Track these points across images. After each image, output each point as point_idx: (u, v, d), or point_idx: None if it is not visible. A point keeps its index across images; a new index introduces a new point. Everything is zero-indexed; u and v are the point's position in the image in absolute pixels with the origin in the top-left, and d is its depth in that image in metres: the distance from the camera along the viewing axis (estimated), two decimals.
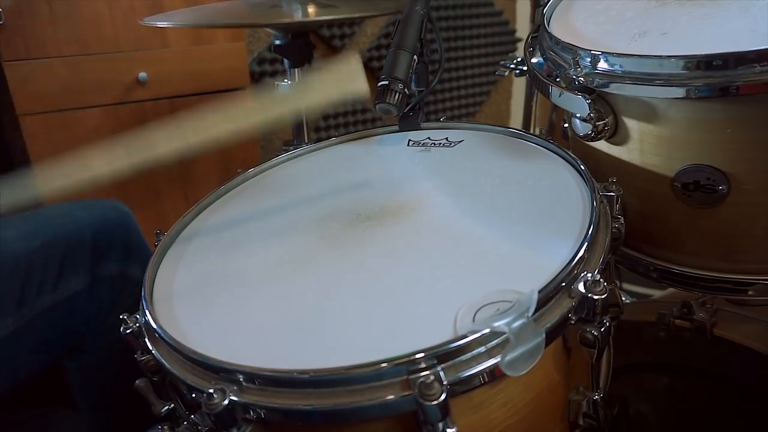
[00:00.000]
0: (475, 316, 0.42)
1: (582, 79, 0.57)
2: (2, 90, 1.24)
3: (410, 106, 0.76)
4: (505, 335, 0.39)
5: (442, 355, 0.38)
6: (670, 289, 0.97)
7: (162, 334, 0.45)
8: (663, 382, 0.86)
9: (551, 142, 0.64)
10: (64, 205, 0.85)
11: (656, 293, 1.17)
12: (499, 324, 0.39)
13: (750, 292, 0.61)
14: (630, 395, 0.85)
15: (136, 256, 0.84)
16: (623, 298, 0.61)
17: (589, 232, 0.46)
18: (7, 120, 1.29)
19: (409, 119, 0.77)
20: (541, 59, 0.66)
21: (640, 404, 0.87)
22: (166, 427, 0.46)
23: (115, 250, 0.82)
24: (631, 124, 0.60)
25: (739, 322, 0.77)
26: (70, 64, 1.29)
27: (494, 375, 0.39)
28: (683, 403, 0.85)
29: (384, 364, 0.37)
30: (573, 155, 0.59)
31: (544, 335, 0.39)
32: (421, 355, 0.37)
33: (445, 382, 0.37)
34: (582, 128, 0.60)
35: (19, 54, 1.23)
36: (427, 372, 0.37)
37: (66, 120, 1.31)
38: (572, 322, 0.43)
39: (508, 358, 0.38)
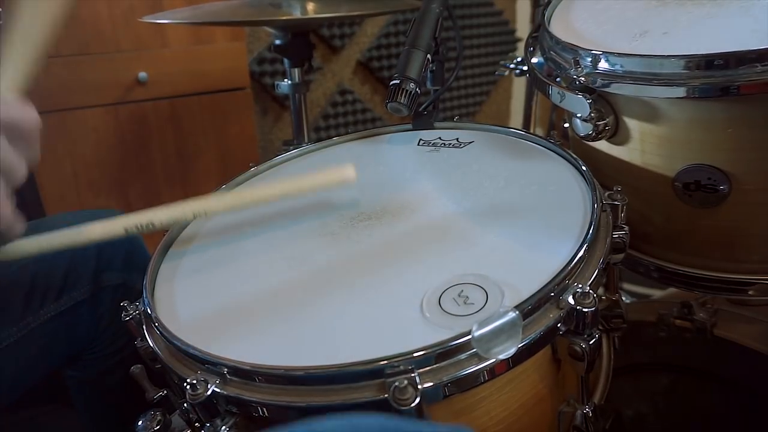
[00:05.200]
0: (439, 299, 0.43)
1: (583, 79, 0.57)
2: None
3: (425, 105, 0.76)
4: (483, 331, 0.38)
5: (417, 359, 0.38)
6: (670, 289, 0.97)
7: (155, 322, 0.46)
8: (663, 382, 0.86)
9: (563, 148, 0.63)
10: (69, 215, 0.85)
11: (656, 293, 1.17)
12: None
13: (750, 292, 0.61)
14: (630, 395, 0.85)
15: (138, 267, 0.84)
16: (623, 298, 0.61)
17: (584, 244, 0.46)
18: None
19: (422, 118, 0.76)
20: (541, 59, 0.66)
21: (640, 404, 0.86)
22: (158, 412, 0.47)
23: (117, 261, 0.83)
24: (632, 124, 0.60)
25: (739, 322, 0.77)
26: (70, 64, 1.29)
27: (472, 382, 0.39)
28: (683, 403, 0.85)
29: (357, 367, 0.38)
30: (583, 163, 0.58)
31: (518, 313, 0.39)
32: (397, 359, 0.37)
33: (419, 387, 0.36)
34: (583, 128, 0.60)
35: None
36: (401, 376, 0.37)
37: (66, 120, 1.31)
38: (560, 332, 0.42)
39: (478, 333, 0.38)
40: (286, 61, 1.08)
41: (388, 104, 0.65)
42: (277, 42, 1.06)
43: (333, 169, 0.60)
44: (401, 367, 0.37)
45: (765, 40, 0.49)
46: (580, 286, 0.42)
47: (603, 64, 0.56)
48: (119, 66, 1.35)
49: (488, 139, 0.71)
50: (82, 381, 0.85)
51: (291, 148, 0.77)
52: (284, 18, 0.95)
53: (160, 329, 0.46)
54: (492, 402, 0.42)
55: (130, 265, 0.84)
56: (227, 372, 0.40)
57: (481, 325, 0.38)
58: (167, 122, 1.44)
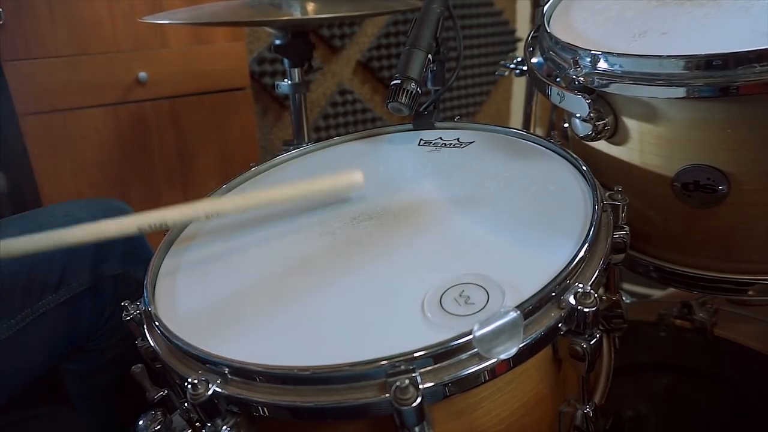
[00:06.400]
0: (440, 299, 0.43)
1: (582, 79, 0.57)
2: (2, 90, 1.24)
3: (426, 105, 0.76)
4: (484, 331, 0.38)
5: (418, 359, 0.38)
6: (670, 289, 0.97)
7: (156, 322, 0.46)
8: (663, 382, 0.86)
9: (563, 149, 0.63)
10: (66, 205, 0.85)
11: (656, 293, 1.17)
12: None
13: (750, 292, 0.61)
14: (630, 395, 0.85)
15: (138, 257, 0.84)
16: (623, 298, 0.61)
17: (585, 244, 0.46)
18: (7, 120, 1.29)
19: (423, 118, 0.76)
20: (541, 59, 0.66)
21: (640, 404, 0.87)
22: (159, 412, 0.47)
23: (117, 250, 0.82)
24: (631, 124, 0.60)
25: (739, 322, 0.77)
26: (70, 64, 1.29)
27: (473, 382, 0.39)
28: (683, 403, 0.85)
29: (358, 367, 0.38)
30: (584, 164, 0.58)
31: (519, 313, 0.39)
32: (398, 359, 0.37)
33: (420, 387, 0.36)
34: (582, 128, 0.60)
35: (19, 54, 1.23)
36: (402, 376, 0.37)
37: (66, 120, 1.32)
38: (561, 332, 0.42)
39: (479, 333, 0.38)
40: (286, 61, 1.08)
41: (389, 104, 0.65)
42: (277, 42, 1.06)
43: (342, 174, 0.61)
44: (402, 367, 0.37)
45: (764, 40, 0.49)
46: (581, 286, 0.42)
47: (602, 64, 0.56)
48: (119, 66, 1.35)
49: (489, 139, 0.71)
50: (83, 374, 0.85)
51: (291, 148, 0.77)
52: (284, 18, 0.95)
53: (161, 329, 0.46)
54: (493, 402, 0.42)
55: (129, 254, 0.83)
56: (228, 372, 0.40)
57: (482, 325, 0.38)
58: (167, 122, 1.44)
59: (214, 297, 0.51)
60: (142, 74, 1.36)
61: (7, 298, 0.71)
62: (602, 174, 0.63)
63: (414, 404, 0.36)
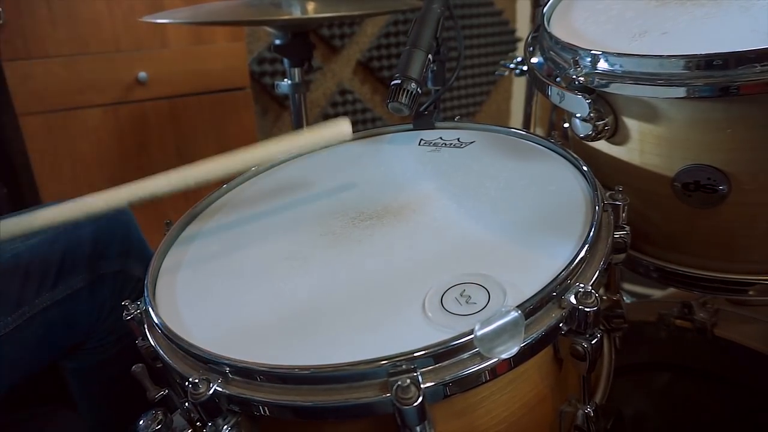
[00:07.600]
0: (441, 299, 0.43)
1: (582, 79, 0.57)
2: (2, 90, 1.24)
3: (426, 105, 0.76)
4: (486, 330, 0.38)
5: (420, 359, 0.38)
6: (670, 289, 0.97)
7: (156, 322, 0.46)
8: (663, 382, 0.86)
9: (564, 149, 0.63)
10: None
11: (656, 293, 1.17)
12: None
13: (750, 292, 0.61)
14: (630, 395, 0.85)
15: (136, 254, 0.84)
16: (624, 298, 0.61)
17: (585, 244, 0.46)
18: (7, 120, 1.29)
19: (423, 118, 0.76)
20: (541, 59, 0.66)
21: (640, 404, 0.87)
22: (159, 412, 0.47)
23: (115, 248, 0.82)
24: (632, 124, 0.60)
25: (739, 322, 0.77)
26: (70, 64, 1.29)
27: (474, 381, 0.39)
28: (683, 403, 0.85)
29: (359, 366, 0.38)
30: (584, 164, 0.58)
31: (520, 312, 0.39)
32: (399, 358, 0.37)
33: (421, 387, 0.36)
34: (582, 128, 0.60)
35: (19, 54, 1.23)
36: (403, 375, 0.37)
37: (66, 120, 1.32)
38: (562, 332, 0.42)
39: (480, 332, 0.38)
40: (286, 61, 1.08)
41: (389, 104, 0.65)
42: (277, 42, 1.06)
43: (329, 124, 0.61)
44: (404, 367, 0.37)
45: (764, 40, 0.49)
46: (582, 285, 0.42)
47: (602, 64, 0.56)
48: (119, 66, 1.35)
49: (489, 139, 0.71)
50: (83, 372, 0.85)
51: None
52: (284, 18, 0.95)
53: (162, 328, 0.46)
54: (493, 402, 0.42)
55: (127, 251, 0.83)
56: (229, 371, 0.40)
57: (483, 325, 0.38)
58: (167, 122, 1.44)
59: (214, 296, 0.51)
60: (142, 74, 1.36)
61: (4, 295, 0.71)
62: (602, 174, 0.63)
63: (415, 404, 0.36)
